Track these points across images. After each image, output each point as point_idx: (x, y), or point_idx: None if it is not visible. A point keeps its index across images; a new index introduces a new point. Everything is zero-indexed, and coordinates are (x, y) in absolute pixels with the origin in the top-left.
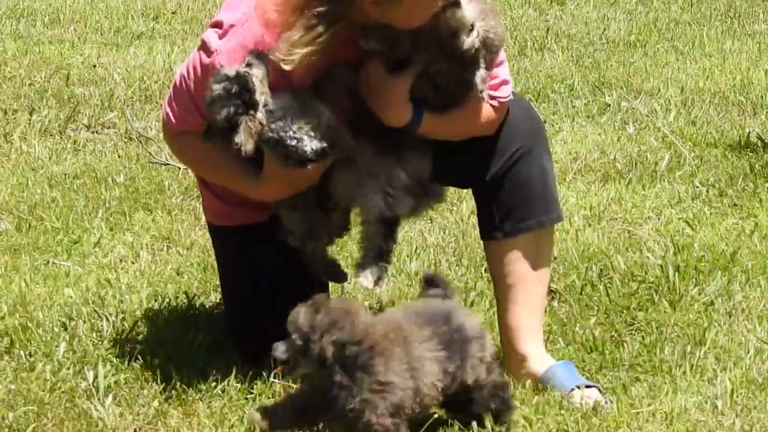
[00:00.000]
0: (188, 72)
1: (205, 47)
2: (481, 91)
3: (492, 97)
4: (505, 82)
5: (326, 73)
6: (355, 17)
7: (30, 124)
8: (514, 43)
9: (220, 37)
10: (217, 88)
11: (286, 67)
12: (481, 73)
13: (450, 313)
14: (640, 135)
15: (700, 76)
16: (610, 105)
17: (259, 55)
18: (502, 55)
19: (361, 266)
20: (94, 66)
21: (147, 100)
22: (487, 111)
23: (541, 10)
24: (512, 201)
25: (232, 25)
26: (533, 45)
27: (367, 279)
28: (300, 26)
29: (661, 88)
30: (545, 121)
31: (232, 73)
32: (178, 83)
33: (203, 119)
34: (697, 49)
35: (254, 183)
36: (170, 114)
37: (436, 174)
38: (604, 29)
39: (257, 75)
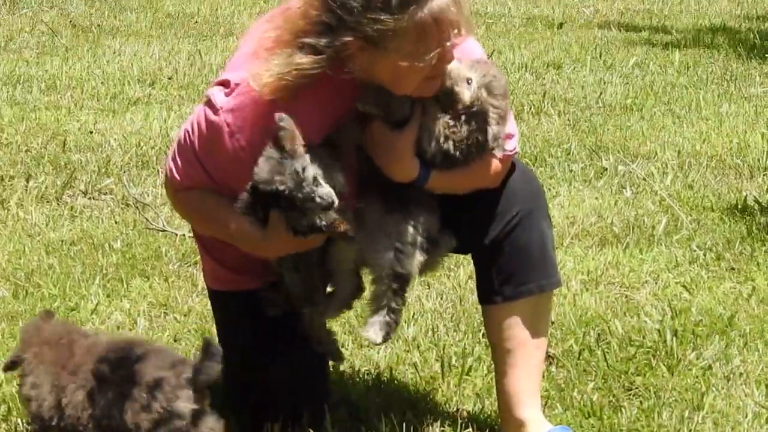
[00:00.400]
0: (192, 128)
1: (210, 104)
2: (493, 149)
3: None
4: (510, 135)
5: (337, 129)
6: (342, 65)
7: (27, 190)
8: (511, 107)
9: (227, 95)
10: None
11: (262, 92)
12: (492, 129)
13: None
14: (638, 199)
15: (696, 139)
16: (607, 169)
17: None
18: None
19: (369, 321)
20: (91, 132)
21: (144, 166)
22: (494, 164)
23: (537, 75)
24: (512, 265)
25: (237, 84)
26: (530, 109)
27: (375, 334)
28: (282, 53)
29: (657, 151)
30: (542, 186)
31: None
32: (182, 139)
33: (207, 175)
34: (693, 112)
35: (259, 239)
36: (173, 170)
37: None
38: (601, 93)
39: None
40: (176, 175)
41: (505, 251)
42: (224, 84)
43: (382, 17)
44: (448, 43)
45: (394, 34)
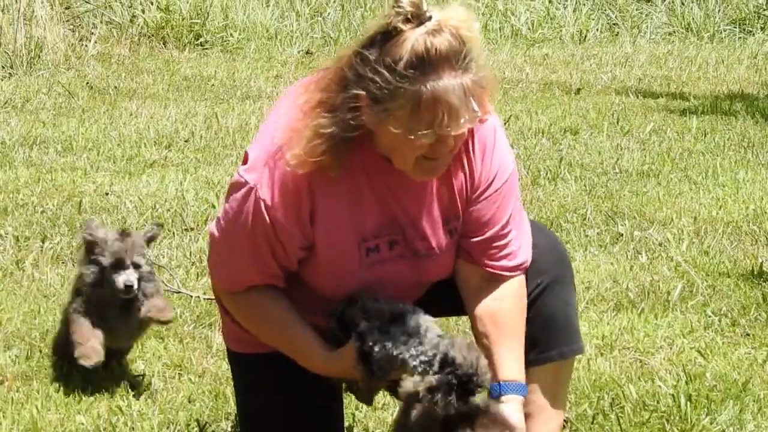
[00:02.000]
0: (225, 216)
1: (239, 186)
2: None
3: (517, 268)
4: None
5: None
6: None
7: (42, 251)
8: (527, 173)
9: (248, 170)
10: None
11: (297, 169)
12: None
13: None
14: (653, 264)
15: (713, 205)
16: (623, 234)
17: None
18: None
19: None
20: (107, 194)
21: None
22: (522, 285)
23: (554, 140)
24: (535, 332)
25: (261, 156)
26: (546, 175)
27: None
28: (309, 129)
29: (674, 217)
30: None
31: None
32: (219, 237)
33: (253, 264)
34: (710, 178)
35: (320, 361)
36: (220, 275)
37: (462, 305)
38: (618, 159)
39: None
40: (225, 281)
41: (530, 318)
42: (245, 160)
43: (387, 74)
44: (448, 129)
45: (393, 95)
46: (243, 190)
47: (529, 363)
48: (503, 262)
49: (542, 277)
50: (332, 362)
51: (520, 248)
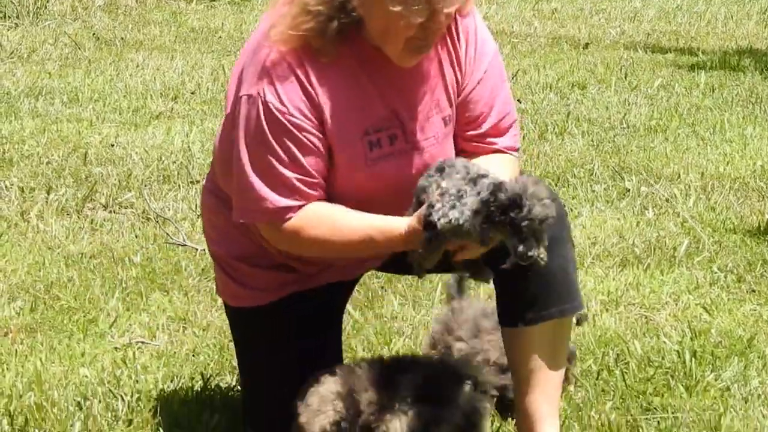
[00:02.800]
0: (251, 139)
1: (244, 105)
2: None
3: (514, 149)
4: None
5: None
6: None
7: (47, 202)
8: (535, 127)
9: (244, 88)
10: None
11: (282, 46)
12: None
13: None
14: (659, 220)
15: (720, 161)
16: (629, 190)
17: None
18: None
19: None
20: (112, 145)
21: (165, 180)
22: (517, 166)
23: (562, 95)
24: (533, 291)
25: (250, 70)
26: (554, 129)
27: None
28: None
29: (681, 173)
30: (564, 206)
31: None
32: (247, 167)
33: (304, 173)
34: (718, 134)
35: (398, 232)
36: (264, 208)
37: (455, 263)
38: (625, 114)
39: None
40: (269, 208)
41: (527, 276)
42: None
43: None
44: (440, 6)
45: None
46: (248, 105)
47: (528, 322)
48: (508, 142)
49: None
50: (408, 236)
51: (517, 130)
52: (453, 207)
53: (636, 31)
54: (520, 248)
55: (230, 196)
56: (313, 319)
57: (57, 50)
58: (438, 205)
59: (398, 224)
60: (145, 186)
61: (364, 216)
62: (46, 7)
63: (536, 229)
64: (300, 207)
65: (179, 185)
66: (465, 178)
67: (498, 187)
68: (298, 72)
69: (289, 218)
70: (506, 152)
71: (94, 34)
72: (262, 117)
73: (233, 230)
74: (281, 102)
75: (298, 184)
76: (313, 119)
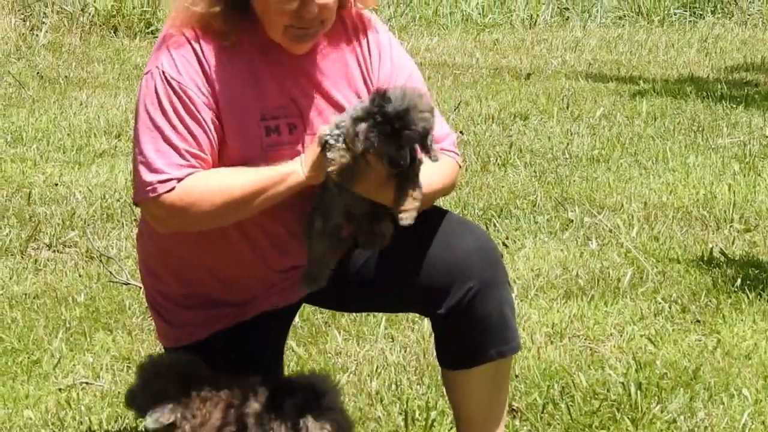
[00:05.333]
0: (145, 106)
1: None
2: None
3: (453, 152)
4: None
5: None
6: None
7: None
8: (477, 159)
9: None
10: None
11: (184, 27)
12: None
13: None
14: (603, 251)
15: (663, 190)
16: (573, 221)
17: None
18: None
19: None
20: (56, 185)
21: (108, 218)
22: (455, 167)
23: (504, 126)
24: (470, 334)
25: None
26: (496, 161)
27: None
28: None
29: (624, 203)
30: (507, 238)
31: None
32: (139, 131)
33: (193, 143)
34: (660, 163)
35: (294, 176)
36: (151, 176)
37: (392, 303)
38: (568, 144)
39: None
40: (155, 177)
41: (463, 321)
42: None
43: None
44: None
45: None
46: (147, 77)
47: (468, 364)
48: (447, 144)
49: (472, 282)
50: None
51: (453, 138)
52: (341, 119)
53: (578, 60)
54: (394, 155)
55: (153, 228)
56: (249, 356)
57: (1, 90)
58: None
59: (292, 162)
60: (89, 225)
61: (250, 168)
62: None
63: (415, 140)
64: (182, 178)
65: (123, 223)
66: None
67: (382, 97)
68: (194, 46)
69: (172, 189)
70: (446, 153)
71: (38, 72)
72: (158, 85)
73: (156, 264)
74: (178, 71)
75: (187, 156)
76: (207, 95)
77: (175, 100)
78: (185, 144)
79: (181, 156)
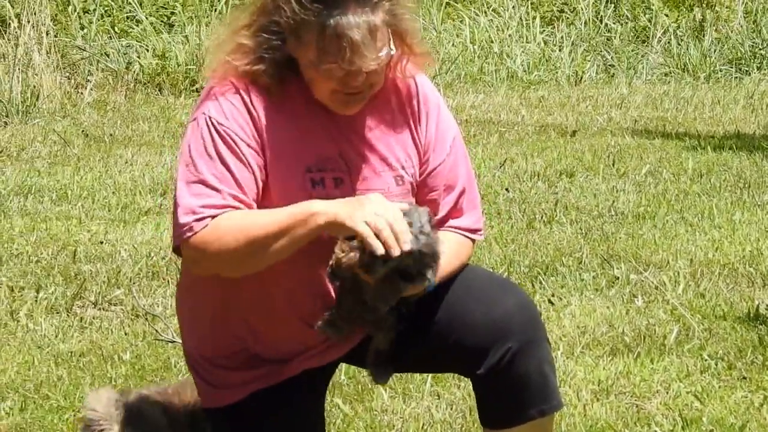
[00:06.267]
0: (190, 151)
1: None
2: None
3: (470, 230)
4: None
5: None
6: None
7: (36, 301)
8: (523, 216)
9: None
10: None
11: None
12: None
13: None
14: (649, 308)
15: (709, 247)
16: (618, 278)
17: None
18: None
19: None
20: (101, 243)
21: (154, 276)
22: (468, 247)
23: (550, 183)
24: (510, 393)
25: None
26: (542, 218)
27: None
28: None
29: (670, 260)
30: (553, 295)
31: None
32: (180, 174)
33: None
34: (706, 220)
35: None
36: (183, 212)
37: (431, 364)
38: (613, 201)
39: None
40: (195, 211)
41: (502, 380)
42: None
43: (294, 5)
44: (354, 65)
45: (301, 26)
46: (192, 125)
47: (509, 424)
48: (466, 222)
49: (512, 341)
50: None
51: (480, 213)
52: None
53: (623, 117)
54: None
55: (193, 282)
56: (290, 412)
57: (46, 148)
58: None
59: (309, 202)
60: (134, 283)
61: (271, 210)
62: (35, 105)
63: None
64: (217, 213)
65: (168, 281)
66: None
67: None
68: (243, 94)
69: (206, 226)
70: (460, 233)
71: (83, 131)
72: (203, 130)
73: (199, 325)
74: (225, 117)
75: (228, 198)
76: (254, 143)
77: (220, 143)
78: (227, 187)
79: (222, 197)
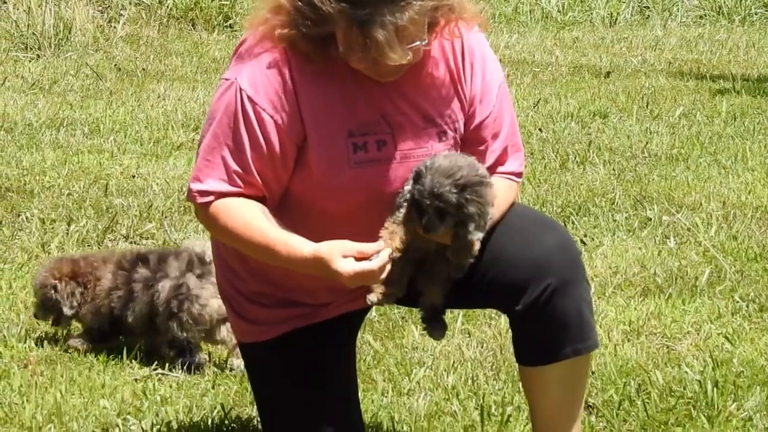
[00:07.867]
0: (215, 116)
1: (219, 87)
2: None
3: (516, 174)
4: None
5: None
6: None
7: (68, 234)
8: (556, 156)
9: (226, 73)
10: None
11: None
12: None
13: None
14: (681, 249)
15: (742, 190)
16: (651, 219)
17: None
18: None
19: None
20: (133, 176)
21: (185, 211)
22: (515, 190)
23: (583, 124)
24: (547, 332)
25: (235, 60)
26: (575, 158)
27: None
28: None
29: (702, 202)
30: (585, 235)
31: None
32: (202, 142)
33: (242, 165)
34: (739, 162)
35: (300, 252)
36: (198, 180)
37: (470, 299)
38: (647, 143)
39: None
40: (200, 183)
41: (540, 318)
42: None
43: None
44: (381, 60)
45: (331, 16)
46: (223, 88)
47: (543, 361)
48: (510, 167)
49: (551, 279)
50: (311, 259)
51: (522, 156)
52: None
53: (657, 59)
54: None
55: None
56: (323, 351)
57: (78, 81)
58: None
59: (303, 244)
60: (166, 217)
61: (277, 227)
62: (67, 39)
63: (434, 204)
64: (222, 195)
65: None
66: None
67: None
68: (281, 65)
69: (208, 202)
70: (507, 177)
71: (115, 65)
72: (231, 99)
73: (234, 264)
74: (255, 90)
75: (234, 178)
76: (283, 116)
77: (240, 118)
78: (236, 165)
79: (228, 175)
